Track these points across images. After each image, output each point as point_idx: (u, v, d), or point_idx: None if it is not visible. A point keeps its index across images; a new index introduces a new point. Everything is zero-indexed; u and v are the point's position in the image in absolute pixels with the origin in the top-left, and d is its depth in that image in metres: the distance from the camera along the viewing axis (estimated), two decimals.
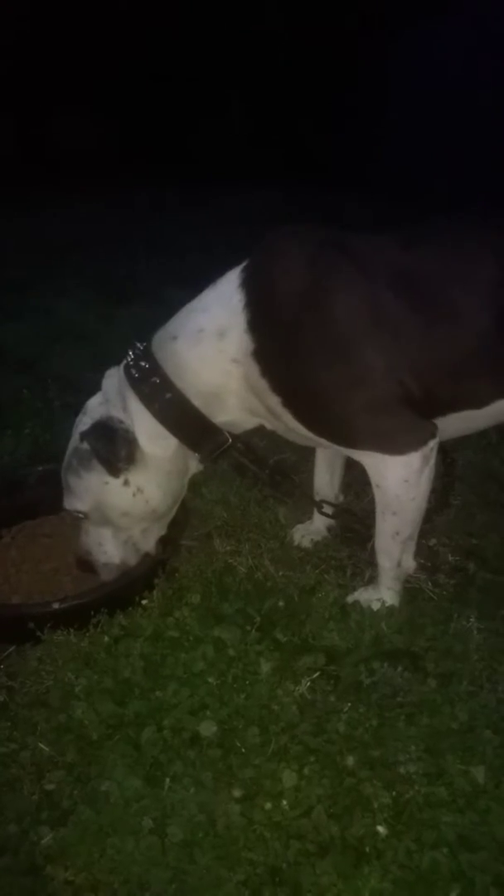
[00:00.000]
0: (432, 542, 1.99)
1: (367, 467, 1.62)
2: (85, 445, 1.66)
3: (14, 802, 1.37)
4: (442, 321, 1.53)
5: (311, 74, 7.12)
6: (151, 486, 1.70)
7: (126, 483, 1.67)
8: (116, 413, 1.67)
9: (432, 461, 1.59)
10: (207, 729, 1.44)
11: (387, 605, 1.71)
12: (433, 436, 1.56)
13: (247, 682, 1.53)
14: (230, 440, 1.73)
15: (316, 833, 1.27)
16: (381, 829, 1.26)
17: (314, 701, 1.50)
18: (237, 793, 1.34)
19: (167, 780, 1.36)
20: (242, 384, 1.63)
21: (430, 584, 1.83)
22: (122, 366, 1.73)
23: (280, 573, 1.89)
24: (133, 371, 1.68)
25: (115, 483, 1.67)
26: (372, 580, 1.84)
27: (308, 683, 1.53)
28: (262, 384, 1.60)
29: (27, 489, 2.14)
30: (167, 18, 7.36)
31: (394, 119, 6.70)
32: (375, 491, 1.64)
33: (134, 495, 1.68)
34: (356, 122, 6.98)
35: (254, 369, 1.59)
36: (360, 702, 1.48)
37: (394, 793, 1.31)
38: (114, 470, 1.64)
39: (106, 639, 1.67)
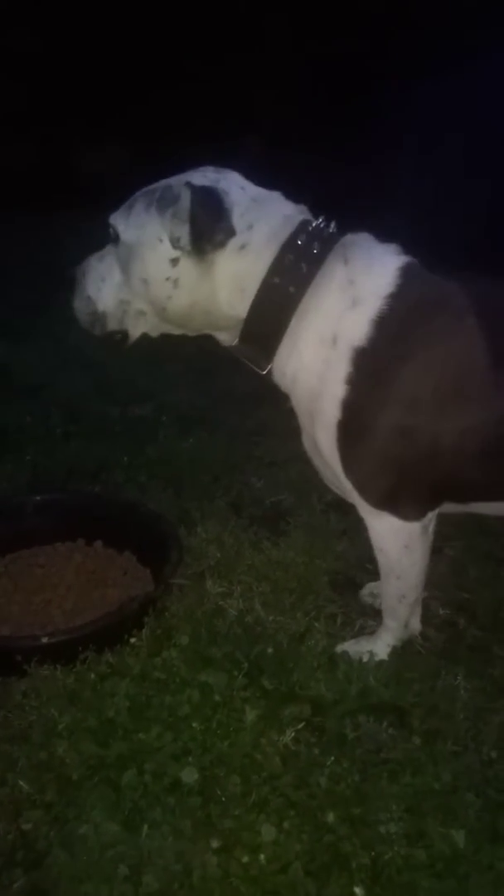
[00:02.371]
0: (424, 594, 1.99)
1: (370, 529, 1.62)
2: (185, 199, 1.42)
3: None
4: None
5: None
6: (184, 293, 1.47)
7: (174, 263, 1.44)
8: (241, 211, 1.45)
9: (431, 529, 1.61)
10: (189, 775, 1.43)
11: (377, 658, 1.71)
12: (434, 507, 1.57)
13: (231, 729, 1.53)
14: (264, 373, 1.55)
15: (292, 891, 1.25)
16: (358, 890, 1.25)
17: (298, 752, 1.50)
18: (215, 843, 1.33)
19: (145, 826, 1.35)
20: (327, 381, 1.48)
21: (419, 637, 1.84)
22: (300, 216, 1.51)
23: (270, 618, 1.89)
24: (302, 235, 1.46)
25: (165, 250, 1.44)
26: (363, 631, 1.84)
27: (292, 734, 1.53)
28: (336, 392, 1.46)
29: (24, 517, 2.15)
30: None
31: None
32: (378, 555, 1.65)
33: (167, 279, 1.46)
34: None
35: (342, 367, 1.44)
36: (344, 756, 1.48)
37: (373, 853, 1.30)
38: (181, 243, 1.42)
39: (92, 676, 1.67)
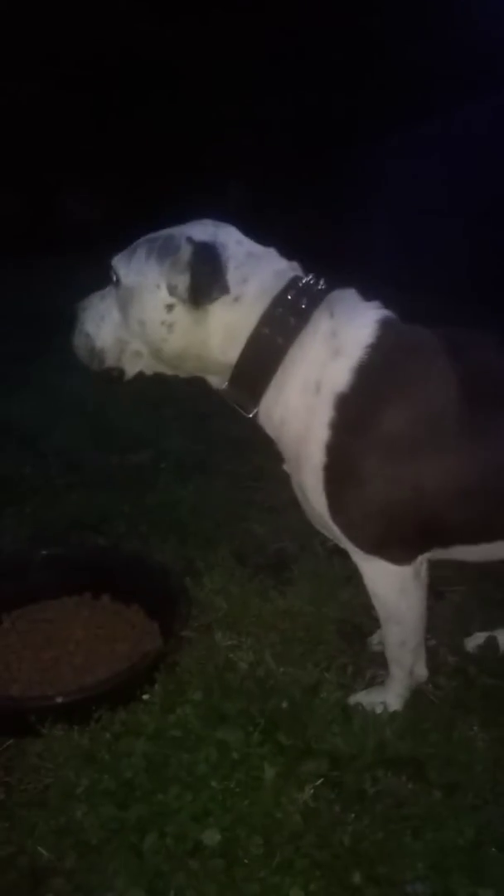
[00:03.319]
0: (431, 642, 2.01)
1: (363, 574, 1.64)
2: (185, 252, 1.48)
3: None
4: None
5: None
6: (178, 337, 1.54)
7: (170, 309, 1.52)
8: (237, 264, 1.52)
9: (424, 573, 1.63)
10: (211, 837, 1.42)
11: (390, 709, 1.71)
12: (424, 550, 1.60)
13: (250, 788, 1.52)
14: (250, 416, 1.60)
15: None
16: None
17: (318, 809, 1.49)
18: None
19: (171, 892, 1.33)
20: (309, 419, 1.53)
21: (430, 685, 1.85)
22: (291, 272, 1.58)
23: (281, 670, 1.89)
24: (292, 290, 1.53)
25: (162, 296, 1.51)
26: (374, 681, 1.85)
27: (311, 790, 1.52)
28: (320, 436, 1.50)
29: (30, 573, 2.15)
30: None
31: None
32: (374, 601, 1.66)
33: (162, 323, 1.53)
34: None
35: (326, 412, 1.50)
36: (365, 812, 1.47)
37: None
38: (177, 291, 1.49)
39: (107, 735, 1.66)
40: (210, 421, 3.54)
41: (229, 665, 1.91)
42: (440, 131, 6.82)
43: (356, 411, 1.49)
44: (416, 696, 1.80)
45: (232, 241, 1.57)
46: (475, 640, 2.00)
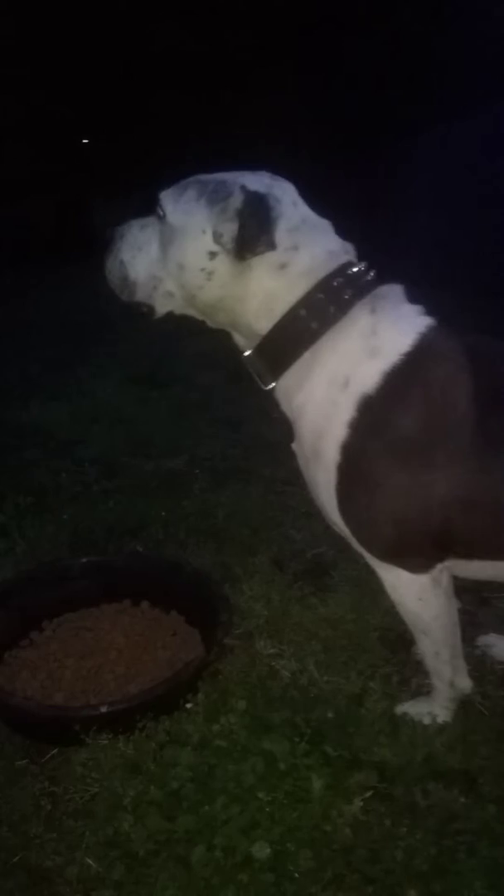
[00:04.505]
0: (477, 651, 1.97)
1: (383, 581, 1.61)
2: (236, 200, 1.43)
3: None
4: None
5: None
6: (215, 287, 1.50)
7: (212, 256, 1.46)
8: (288, 226, 1.47)
9: (444, 582, 1.58)
10: (261, 851, 1.40)
11: (438, 720, 1.68)
12: (441, 559, 1.55)
13: (298, 800, 1.50)
14: (266, 388, 1.58)
15: None
16: None
17: (368, 823, 1.46)
18: None
19: None
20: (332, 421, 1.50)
21: (478, 696, 1.80)
22: (343, 256, 1.54)
23: (325, 679, 1.87)
24: (339, 277, 1.49)
25: (206, 242, 1.46)
26: (420, 691, 1.82)
27: (361, 803, 1.50)
28: (339, 434, 1.48)
29: (70, 581, 2.15)
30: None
31: None
32: (398, 609, 1.63)
33: (202, 270, 1.48)
34: None
35: (349, 411, 1.48)
36: (417, 826, 1.44)
37: None
38: (223, 240, 1.44)
39: (152, 745, 1.65)
40: (243, 426, 3.54)
41: (272, 673, 1.89)
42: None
43: (378, 415, 1.46)
44: (465, 707, 1.76)
45: (287, 198, 1.51)
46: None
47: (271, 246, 1.45)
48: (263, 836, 1.43)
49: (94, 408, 3.77)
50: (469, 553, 1.55)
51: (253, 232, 1.43)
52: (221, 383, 3.98)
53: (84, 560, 2.19)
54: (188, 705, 1.76)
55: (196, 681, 1.80)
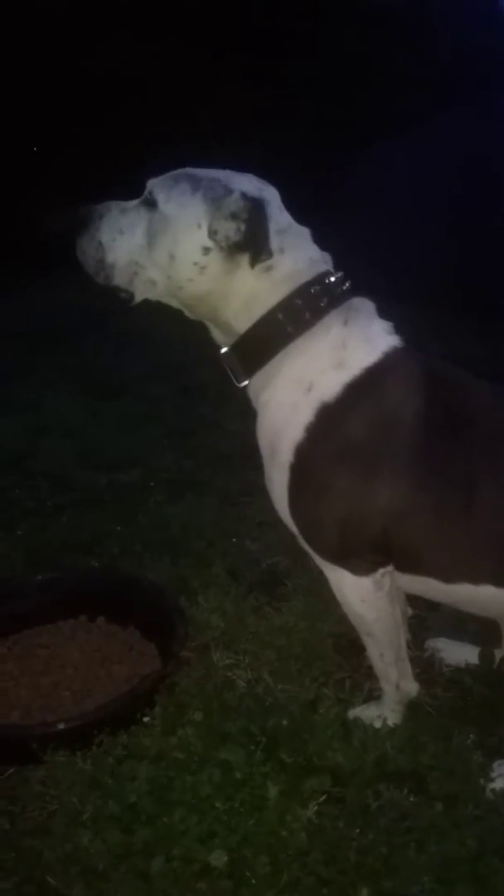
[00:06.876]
0: (426, 653, 2.04)
1: (329, 582, 1.68)
2: (235, 201, 1.46)
3: None
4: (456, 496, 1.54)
5: None
6: (205, 281, 1.52)
7: (206, 251, 1.49)
8: (277, 229, 1.51)
9: (387, 587, 1.63)
10: (218, 859, 1.43)
11: (389, 723, 1.74)
12: (383, 564, 1.61)
13: (255, 807, 1.53)
14: (239, 385, 1.63)
15: None
16: None
17: (322, 826, 1.51)
18: None
19: None
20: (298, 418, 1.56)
21: (427, 697, 1.87)
22: (322, 265, 1.59)
23: (280, 687, 1.91)
24: (316, 286, 1.54)
25: (201, 237, 1.49)
26: (371, 695, 1.88)
27: (315, 807, 1.54)
28: (295, 435, 1.55)
29: (25, 598, 2.15)
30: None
31: None
32: (345, 611, 1.70)
33: (195, 264, 1.50)
34: None
35: (307, 415, 1.54)
36: (369, 827, 1.49)
37: None
38: (218, 237, 1.46)
39: (110, 760, 1.66)
40: (196, 438, 3.55)
41: (228, 684, 1.92)
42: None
43: (333, 423, 1.54)
44: (414, 709, 1.83)
45: (275, 203, 1.56)
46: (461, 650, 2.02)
47: (268, 254, 1.50)
48: (221, 844, 1.47)
49: (42, 420, 3.73)
50: (401, 565, 1.63)
51: (255, 238, 1.47)
52: (172, 395, 3.99)
53: (39, 577, 2.19)
54: (145, 719, 1.79)
55: (153, 694, 1.83)
